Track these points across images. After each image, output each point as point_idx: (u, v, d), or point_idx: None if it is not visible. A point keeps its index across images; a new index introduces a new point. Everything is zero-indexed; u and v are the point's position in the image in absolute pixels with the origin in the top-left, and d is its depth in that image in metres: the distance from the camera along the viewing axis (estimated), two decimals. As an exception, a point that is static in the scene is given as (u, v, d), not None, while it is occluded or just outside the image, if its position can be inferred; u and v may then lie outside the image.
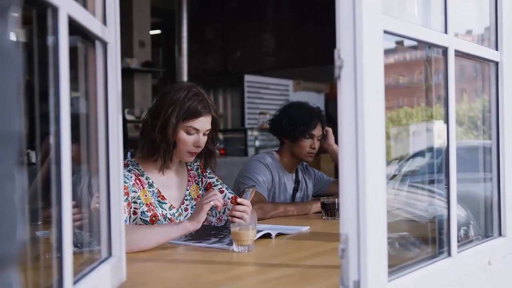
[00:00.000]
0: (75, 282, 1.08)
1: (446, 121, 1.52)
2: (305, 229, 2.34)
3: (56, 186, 1.00)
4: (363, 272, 1.15)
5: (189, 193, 2.34)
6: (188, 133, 2.18)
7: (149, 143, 2.19)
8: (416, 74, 2.04)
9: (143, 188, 2.18)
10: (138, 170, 2.20)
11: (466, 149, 1.89)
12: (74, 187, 1.08)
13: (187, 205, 2.32)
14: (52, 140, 1.01)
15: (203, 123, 2.20)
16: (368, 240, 1.15)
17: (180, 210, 2.28)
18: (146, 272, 1.66)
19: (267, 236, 2.10)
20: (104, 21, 1.34)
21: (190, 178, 2.37)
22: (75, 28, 1.11)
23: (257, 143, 7.72)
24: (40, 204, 1.48)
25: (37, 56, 1.07)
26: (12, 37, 0.57)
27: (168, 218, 2.22)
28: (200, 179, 2.41)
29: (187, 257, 1.81)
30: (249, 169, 2.95)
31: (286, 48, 9.77)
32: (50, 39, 1.01)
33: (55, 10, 0.99)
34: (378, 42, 1.21)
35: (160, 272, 1.68)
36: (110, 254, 1.37)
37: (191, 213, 2.28)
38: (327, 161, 6.91)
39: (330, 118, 3.28)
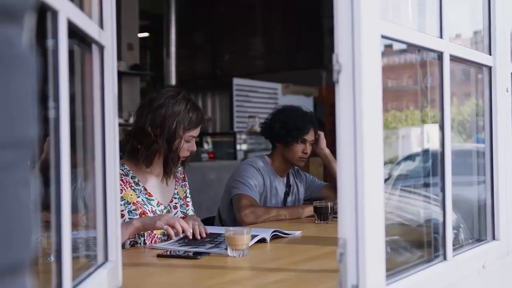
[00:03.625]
0: (73, 288, 1.07)
1: (442, 125, 1.53)
2: (298, 233, 2.34)
3: (55, 190, 0.99)
4: (362, 276, 1.15)
5: (177, 192, 2.43)
6: (187, 141, 2.30)
7: (153, 153, 2.25)
8: (405, 78, 2.05)
9: (127, 188, 2.23)
10: (123, 170, 2.23)
11: (455, 153, 1.90)
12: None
13: (175, 203, 2.40)
14: (51, 143, 1.00)
15: (199, 130, 2.35)
16: (366, 244, 1.15)
17: (169, 207, 2.36)
18: (142, 277, 1.66)
19: (261, 240, 2.10)
20: (101, 25, 1.34)
21: (177, 179, 2.46)
22: (72, 31, 1.10)
23: (246, 146, 7.70)
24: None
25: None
26: (28, 42, 0.57)
27: (157, 214, 2.28)
28: (184, 183, 2.51)
29: (183, 262, 1.80)
30: (241, 173, 2.95)
31: (275, 51, 9.80)
32: (49, 42, 1.00)
33: (55, 13, 0.98)
34: (376, 47, 1.21)
35: (156, 277, 1.67)
36: (106, 259, 1.36)
37: (180, 211, 2.40)
38: (315, 164, 6.94)
39: (320, 121, 3.29)
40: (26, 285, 0.56)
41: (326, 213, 2.63)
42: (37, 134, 0.59)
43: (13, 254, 0.54)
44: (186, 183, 2.52)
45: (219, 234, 2.18)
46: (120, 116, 7.07)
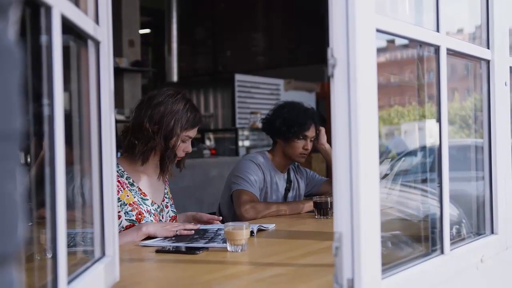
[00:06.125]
0: (69, 282, 1.07)
1: (438, 120, 1.53)
2: (272, 226, 2.36)
3: (50, 186, 1.00)
4: (357, 270, 1.16)
5: (167, 192, 2.47)
6: (183, 141, 2.32)
7: (149, 150, 2.27)
8: (407, 73, 2.04)
9: (124, 188, 2.25)
10: (117, 171, 2.24)
11: (458, 148, 1.90)
12: (66, 188, 1.07)
13: (166, 202, 2.44)
14: (45, 140, 1.00)
15: (196, 131, 2.37)
16: (362, 238, 1.15)
17: (161, 206, 2.39)
18: (140, 272, 1.66)
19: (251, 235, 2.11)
20: (97, 20, 1.34)
21: (166, 180, 2.49)
22: (67, 27, 1.10)
23: (248, 142, 7.71)
24: (32, 204, 1.47)
25: (29, 55, 1.07)
26: (13, 36, 0.57)
27: (152, 213, 2.30)
28: (168, 184, 2.53)
29: (181, 257, 1.80)
30: (241, 169, 2.95)
31: (276, 47, 9.79)
32: (43, 38, 1.00)
33: (48, 9, 0.98)
34: (371, 41, 1.21)
35: (154, 272, 1.68)
36: (103, 254, 1.36)
37: (171, 210, 2.44)
38: (318, 160, 6.93)
39: (321, 117, 3.28)
40: (13, 276, 0.57)
41: (325, 208, 2.63)
42: (24, 127, 0.60)
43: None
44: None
45: (206, 230, 2.19)
46: (121, 113, 7.08)
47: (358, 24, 1.15)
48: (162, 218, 2.36)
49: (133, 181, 2.30)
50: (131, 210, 2.22)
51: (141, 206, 2.26)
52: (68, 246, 1.19)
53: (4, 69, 0.54)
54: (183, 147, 2.33)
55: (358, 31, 1.15)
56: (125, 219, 2.20)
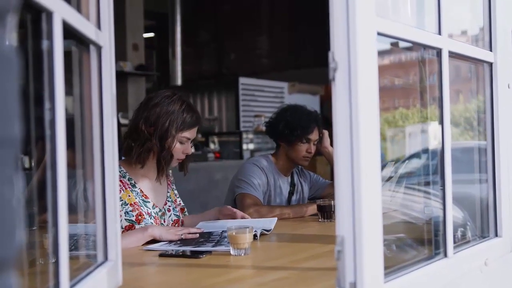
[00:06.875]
0: (71, 287, 1.08)
1: (441, 122, 1.52)
2: (273, 222, 2.38)
3: (52, 191, 1.00)
4: (359, 273, 1.15)
5: (169, 196, 2.46)
6: (181, 142, 2.31)
7: (146, 151, 2.27)
8: (412, 76, 2.04)
9: (126, 189, 2.26)
10: (120, 172, 2.25)
11: (462, 150, 1.89)
12: (69, 192, 1.08)
13: (169, 206, 2.43)
14: (47, 145, 1.01)
15: (195, 132, 2.35)
16: (364, 242, 1.15)
17: (163, 210, 2.38)
18: (142, 276, 1.66)
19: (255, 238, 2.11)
20: (98, 25, 1.34)
21: (169, 182, 2.49)
22: (69, 32, 1.11)
23: (253, 146, 7.70)
24: (35, 209, 1.48)
25: (31, 60, 1.07)
26: (11, 42, 0.57)
27: (153, 216, 2.30)
28: (173, 187, 2.54)
29: (185, 261, 1.80)
30: (245, 172, 2.95)
31: (280, 50, 9.79)
32: (44, 43, 1.01)
33: (49, 14, 0.98)
34: (372, 44, 1.21)
35: (157, 276, 1.68)
36: (106, 258, 1.36)
37: (173, 214, 2.43)
38: (322, 163, 6.92)
39: (325, 120, 3.27)
40: (10, 282, 0.57)
41: (329, 211, 2.62)
42: (24, 133, 0.60)
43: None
44: (174, 186, 2.55)
45: (211, 233, 2.19)
46: (125, 117, 7.08)
47: (358, 27, 1.15)
48: (164, 221, 2.36)
49: (135, 182, 2.30)
50: (131, 210, 2.22)
51: (141, 207, 2.26)
52: (70, 249, 1.19)
53: (2, 75, 0.54)
54: (182, 149, 2.31)
55: (358, 34, 1.15)
56: (125, 219, 2.21)
